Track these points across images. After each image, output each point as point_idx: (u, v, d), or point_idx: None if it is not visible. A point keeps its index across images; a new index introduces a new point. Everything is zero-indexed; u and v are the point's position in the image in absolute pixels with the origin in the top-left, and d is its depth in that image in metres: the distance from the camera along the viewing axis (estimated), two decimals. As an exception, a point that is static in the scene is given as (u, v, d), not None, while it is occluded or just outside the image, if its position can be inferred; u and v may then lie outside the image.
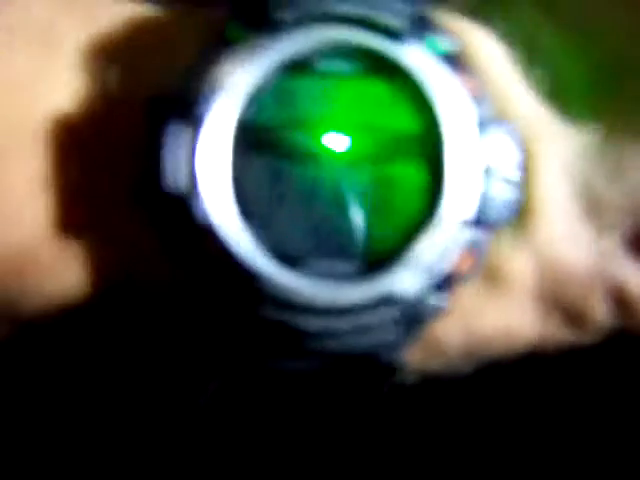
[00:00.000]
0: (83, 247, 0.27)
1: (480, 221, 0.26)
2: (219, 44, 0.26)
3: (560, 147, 0.27)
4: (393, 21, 0.26)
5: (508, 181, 0.26)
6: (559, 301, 0.28)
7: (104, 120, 0.27)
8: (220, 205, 0.25)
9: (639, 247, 0.28)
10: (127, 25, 0.28)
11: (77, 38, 0.28)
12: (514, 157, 0.26)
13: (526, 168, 0.27)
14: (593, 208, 0.28)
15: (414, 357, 0.28)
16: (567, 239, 0.27)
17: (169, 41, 0.28)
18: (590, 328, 0.28)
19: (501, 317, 0.28)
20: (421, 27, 0.26)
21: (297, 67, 0.26)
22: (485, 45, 0.28)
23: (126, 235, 0.27)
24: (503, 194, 0.26)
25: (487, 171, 0.26)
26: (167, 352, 0.32)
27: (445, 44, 0.26)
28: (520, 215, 0.27)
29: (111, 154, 0.27)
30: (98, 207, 0.27)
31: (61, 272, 0.27)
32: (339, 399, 0.28)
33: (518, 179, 0.26)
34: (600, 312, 0.28)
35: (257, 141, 0.26)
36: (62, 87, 0.27)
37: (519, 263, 0.27)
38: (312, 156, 0.26)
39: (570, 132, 0.28)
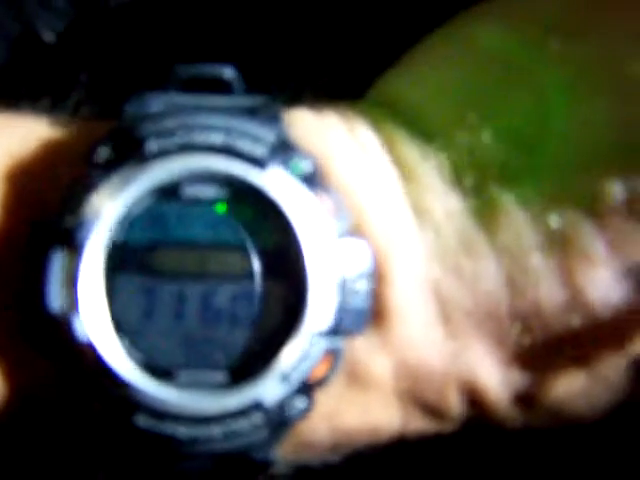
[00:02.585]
0: None
1: (336, 330, 0.28)
2: (94, 168, 0.28)
3: (413, 254, 0.30)
4: (255, 148, 0.28)
5: (360, 291, 0.28)
6: (417, 397, 0.30)
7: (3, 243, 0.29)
8: (97, 323, 0.28)
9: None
10: (24, 147, 0.30)
11: None
12: (366, 268, 0.29)
13: (381, 276, 0.29)
14: (444, 310, 0.30)
15: (285, 451, 0.30)
16: (420, 341, 0.30)
17: (61, 162, 0.29)
18: (447, 419, 0.31)
19: (363, 413, 0.30)
20: (282, 151, 0.29)
21: (166, 193, 0.28)
22: (343, 157, 0.30)
23: (18, 359, 0.29)
24: (356, 303, 0.28)
25: (341, 283, 0.28)
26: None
27: (304, 165, 0.29)
28: (378, 320, 0.30)
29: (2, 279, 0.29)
30: None
31: None
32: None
33: (370, 289, 0.29)
34: (455, 406, 0.30)
35: (129, 261, 0.28)
36: None
37: (378, 364, 0.30)
38: (179, 274, 0.28)
39: (423, 235, 0.30)
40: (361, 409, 0.30)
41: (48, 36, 0.37)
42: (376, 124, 0.31)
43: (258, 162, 0.28)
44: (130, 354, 0.28)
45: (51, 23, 0.37)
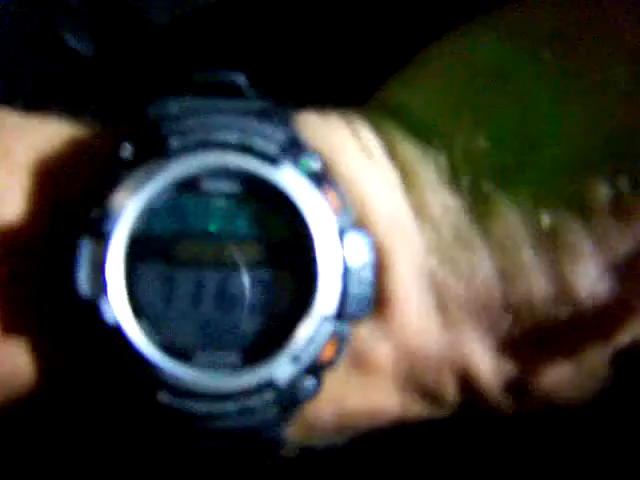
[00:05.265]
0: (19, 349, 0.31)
1: (340, 315, 0.30)
2: (118, 164, 0.30)
3: (412, 247, 0.32)
4: (267, 146, 0.30)
5: (364, 279, 0.31)
6: (416, 382, 0.32)
7: (30, 235, 0.30)
8: (122, 307, 0.30)
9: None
10: (50, 145, 0.31)
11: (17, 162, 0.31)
12: (368, 258, 0.31)
13: (382, 267, 0.31)
14: (441, 300, 0.32)
15: (293, 434, 0.32)
16: (418, 329, 0.32)
17: (86, 159, 0.31)
18: (444, 404, 0.33)
19: (366, 397, 0.32)
20: (291, 150, 0.31)
21: (186, 187, 0.30)
22: (347, 156, 0.32)
23: (40, 346, 0.30)
24: (360, 290, 0.31)
25: (345, 272, 0.30)
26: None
27: (313, 163, 0.31)
28: (379, 308, 0.32)
29: (31, 267, 0.30)
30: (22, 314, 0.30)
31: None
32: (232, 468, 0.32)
33: (371, 278, 0.31)
34: (450, 391, 0.32)
35: (151, 250, 0.30)
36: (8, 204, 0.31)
37: (380, 350, 0.32)
38: (197, 263, 0.30)
39: (422, 230, 0.32)
40: (363, 393, 0.32)
41: (72, 42, 0.39)
42: (378, 127, 0.33)
43: (271, 159, 0.30)
44: (151, 336, 0.30)
45: (70, 26, 0.39)
